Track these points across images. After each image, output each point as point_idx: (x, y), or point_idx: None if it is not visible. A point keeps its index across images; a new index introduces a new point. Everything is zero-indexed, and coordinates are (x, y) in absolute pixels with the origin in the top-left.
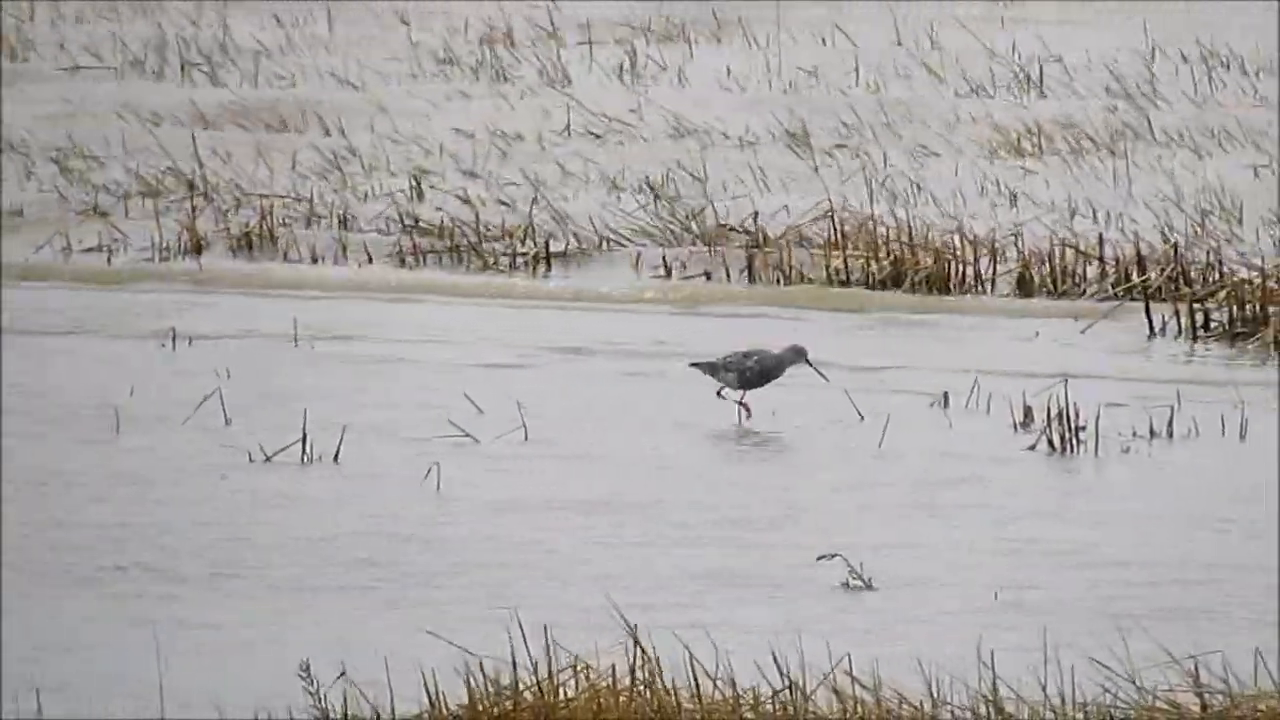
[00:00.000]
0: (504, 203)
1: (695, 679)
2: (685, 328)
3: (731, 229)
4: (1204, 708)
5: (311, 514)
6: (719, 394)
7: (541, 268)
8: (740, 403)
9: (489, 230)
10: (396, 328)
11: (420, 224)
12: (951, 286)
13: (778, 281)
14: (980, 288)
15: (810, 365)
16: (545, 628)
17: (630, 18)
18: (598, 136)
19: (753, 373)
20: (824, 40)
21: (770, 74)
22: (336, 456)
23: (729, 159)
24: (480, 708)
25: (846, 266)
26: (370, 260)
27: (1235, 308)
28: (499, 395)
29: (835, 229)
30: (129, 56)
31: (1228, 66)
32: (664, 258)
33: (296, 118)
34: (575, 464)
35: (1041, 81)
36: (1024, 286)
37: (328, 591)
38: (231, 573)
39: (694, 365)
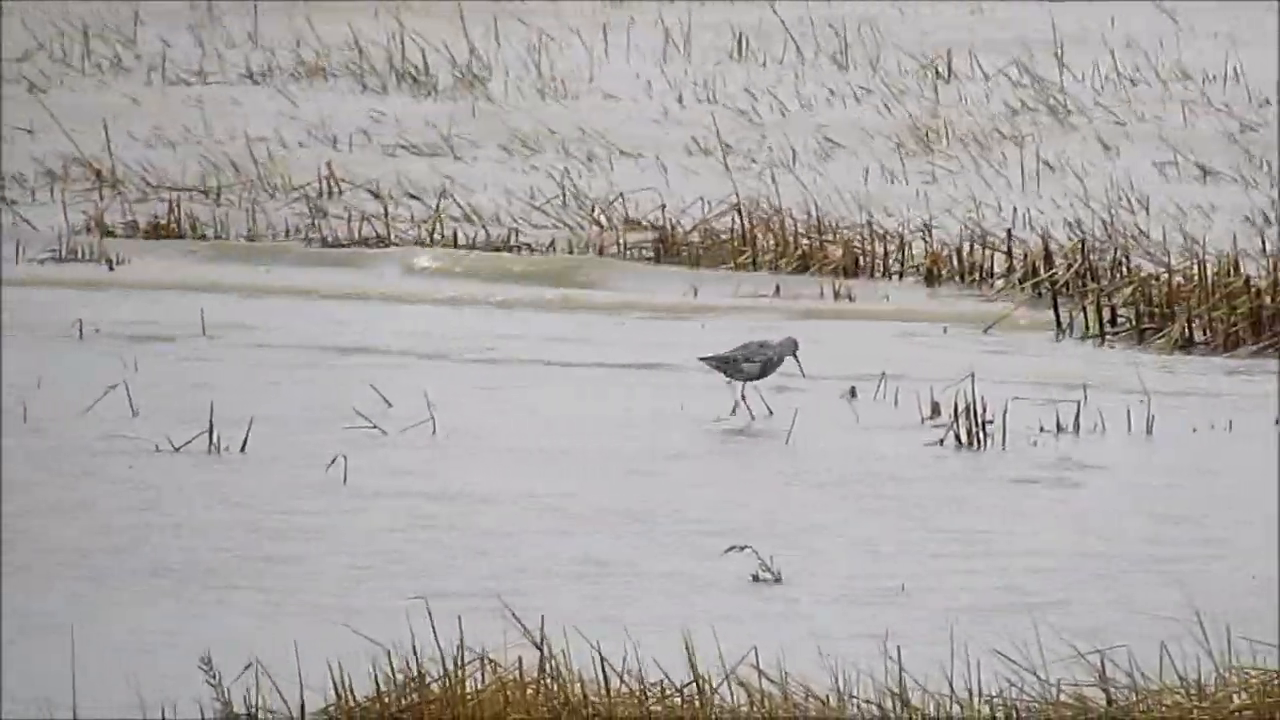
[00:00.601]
0: (413, 195)
1: (604, 673)
2: (589, 324)
3: (639, 224)
4: (1109, 701)
5: (218, 503)
6: (742, 395)
7: (451, 263)
8: (764, 402)
9: (397, 223)
10: (305, 322)
11: (330, 218)
12: (858, 276)
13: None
14: (889, 278)
15: (795, 359)
16: (459, 619)
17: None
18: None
19: (772, 363)
20: (742, 38)
21: (683, 59)
22: (244, 447)
23: (637, 152)
24: (387, 700)
25: (755, 263)
26: (278, 255)
27: (1142, 304)
28: (408, 389)
29: (744, 222)
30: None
31: (1184, 76)
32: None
33: (208, 112)
34: (483, 458)
35: (950, 74)
36: (932, 281)
37: (233, 581)
38: (137, 563)
39: (703, 360)
